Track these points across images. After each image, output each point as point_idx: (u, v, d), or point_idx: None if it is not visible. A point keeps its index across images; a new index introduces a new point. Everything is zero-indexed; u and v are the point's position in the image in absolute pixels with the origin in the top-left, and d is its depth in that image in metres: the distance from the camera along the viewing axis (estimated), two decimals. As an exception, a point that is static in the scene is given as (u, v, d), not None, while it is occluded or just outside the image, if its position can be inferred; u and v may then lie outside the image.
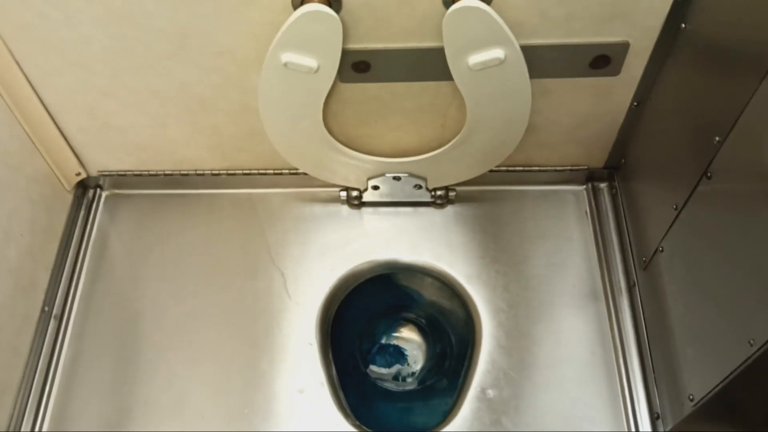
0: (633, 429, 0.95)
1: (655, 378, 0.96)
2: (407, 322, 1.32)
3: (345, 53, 0.88)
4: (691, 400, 0.82)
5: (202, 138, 1.08)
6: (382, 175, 1.09)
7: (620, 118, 1.02)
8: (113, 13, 0.87)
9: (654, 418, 0.95)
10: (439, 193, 1.12)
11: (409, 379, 1.26)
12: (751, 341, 0.67)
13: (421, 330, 1.31)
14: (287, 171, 1.15)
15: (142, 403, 1.00)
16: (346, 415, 0.99)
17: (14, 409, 0.99)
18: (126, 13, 0.86)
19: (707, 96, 0.79)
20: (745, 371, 0.69)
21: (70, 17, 0.87)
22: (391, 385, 1.25)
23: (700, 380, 0.80)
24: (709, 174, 0.77)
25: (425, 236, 1.13)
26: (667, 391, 0.92)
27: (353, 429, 0.98)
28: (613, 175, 1.14)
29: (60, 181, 1.12)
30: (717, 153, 0.75)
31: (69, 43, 0.91)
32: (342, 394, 1.03)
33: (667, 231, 0.90)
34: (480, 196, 1.15)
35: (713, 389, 0.76)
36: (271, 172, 1.15)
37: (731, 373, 0.72)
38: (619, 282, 1.06)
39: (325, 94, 0.92)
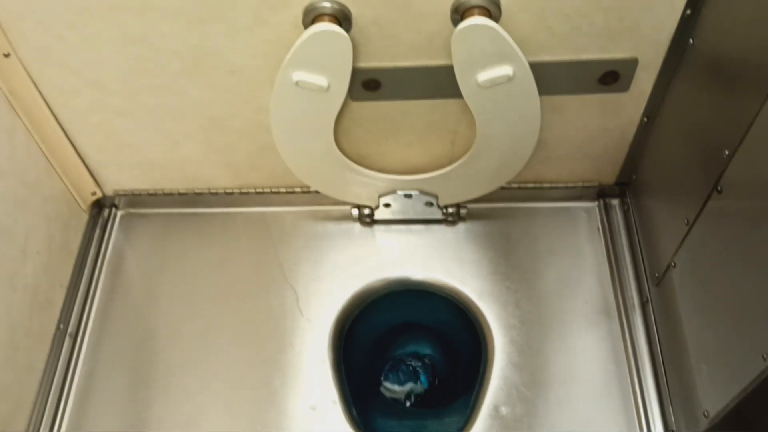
0: (648, 447, 0.95)
1: (669, 395, 0.95)
2: (420, 339, 1.32)
3: (355, 72, 0.89)
4: (706, 417, 0.81)
5: (216, 156, 1.09)
6: (394, 192, 1.09)
7: (630, 133, 1.03)
8: (129, 35, 0.88)
9: (669, 435, 0.94)
10: (450, 210, 1.12)
11: (422, 397, 1.26)
12: (765, 356, 0.66)
13: (434, 347, 1.31)
14: (299, 189, 1.15)
15: (156, 421, 1.01)
16: (359, 433, 0.99)
17: (29, 426, 0.99)
18: (141, 34, 0.88)
19: (716, 110, 0.79)
20: (759, 386, 0.69)
21: (87, 39, 0.89)
22: (403, 403, 1.25)
23: (715, 396, 0.79)
24: (719, 188, 0.77)
25: (437, 253, 1.13)
26: (682, 407, 0.91)
27: (365, 446, 0.98)
28: (624, 191, 1.14)
29: (76, 200, 1.14)
30: (727, 167, 0.74)
31: (85, 65, 0.93)
32: (354, 412, 1.02)
33: (679, 246, 0.89)
34: (491, 213, 1.15)
35: (728, 405, 0.76)
36: (284, 190, 1.16)
37: (745, 388, 0.71)
38: (632, 298, 1.06)
39: (336, 113, 0.93)
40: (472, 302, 1.08)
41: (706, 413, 0.81)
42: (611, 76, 0.92)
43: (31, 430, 1.00)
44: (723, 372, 0.78)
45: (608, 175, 1.12)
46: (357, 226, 1.17)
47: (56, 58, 0.92)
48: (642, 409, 0.97)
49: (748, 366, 0.69)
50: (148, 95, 0.98)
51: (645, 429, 0.95)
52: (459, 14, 0.81)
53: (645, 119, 0.99)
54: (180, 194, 1.17)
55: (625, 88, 0.94)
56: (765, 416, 0.77)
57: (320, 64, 0.85)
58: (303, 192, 1.16)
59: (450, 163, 1.04)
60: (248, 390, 1.02)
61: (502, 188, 1.08)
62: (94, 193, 1.16)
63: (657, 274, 0.99)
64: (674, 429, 0.93)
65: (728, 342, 0.77)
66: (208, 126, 1.03)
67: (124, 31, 0.88)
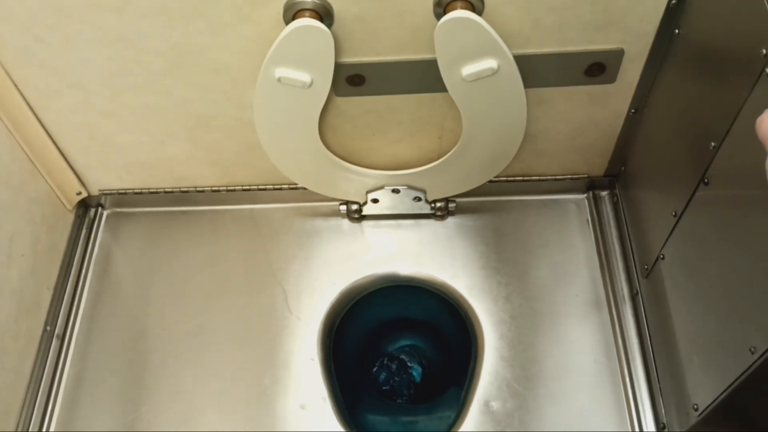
0: (639, 440, 0.94)
1: (660, 388, 0.95)
2: (410, 334, 1.31)
3: (339, 67, 0.88)
4: (696, 410, 0.81)
5: (202, 154, 1.08)
6: (381, 188, 1.08)
7: (618, 125, 1.02)
8: (109, 35, 0.87)
9: (660, 428, 0.94)
10: (439, 204, 1.11)
11: (413, 393, 1.25)
12: (752, 349, 0.66)
13: (424, 343, 1.30)
14: (287, 186, 1.15)
15: (146, 421, 1.00)
16: (349, 430, 0.98)
17: (17, 430, 0.99)
18: (121, 34, 0.87)
19: (702, 102, 0.78)
20: (747, 379, 0.68)
21: (67, 40, 0.88)
22: (394, 399, 1.24)
23: (704, 389, 0.79)
24: (706, 180, 0.76)
25: (426, 248, 1.12)
26: (672, 400, 0.91)
27: (356, 444, 0.97)
28: (613, 182, 1.13)
29: (61, 201, 1.13)
30: (713, 159, 0.74)
31: (67, 65, 0.92)
32: (344, 409, 1.02)
33: (668, 238, 0.89)
34: (480, 207, 1.15)
35: (717, 399, 0.75)
36: (271, 187, 1.15)
37: (734, 381, 0.70)
38: (622, 290, 1.05)
39: (320, 109, 0.92)
40: (462, 297, 1.07)
41: (695, 407, 0.81)
42: (597, 68, 0.91)
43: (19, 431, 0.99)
44: (712, 365, 0.78)
45: (597, 167, 1.12)
46: (345, 222, 1.16)
47: (36, 60, 0.91)
48: (633, 403, 0.96)
49: (736, 359, 0.69)
50: (132, 95, 0.97)
51: (636, 423, 0.95)
52: (441, 8, 0.80)
53: (633, 111, 0.98)
54: (166, 192, 1.16)
55: (611, 79, 0.93)
56: (756, 409, 0.77)
57: (302, 60, 0.84)
58: (291, 188, 1.15)
59: (438, 157, 1.04)
60: (238, 389, 1.02)
61: (491, 182, 1.08)
62: (79, 193, 1.15)
63: (646, 266, 0.98)
64: (665, 422, 0.93)
65: (717, 335, 0.76)
66: (193, 124, 1.02)
67: (104, 31, 0.86)
